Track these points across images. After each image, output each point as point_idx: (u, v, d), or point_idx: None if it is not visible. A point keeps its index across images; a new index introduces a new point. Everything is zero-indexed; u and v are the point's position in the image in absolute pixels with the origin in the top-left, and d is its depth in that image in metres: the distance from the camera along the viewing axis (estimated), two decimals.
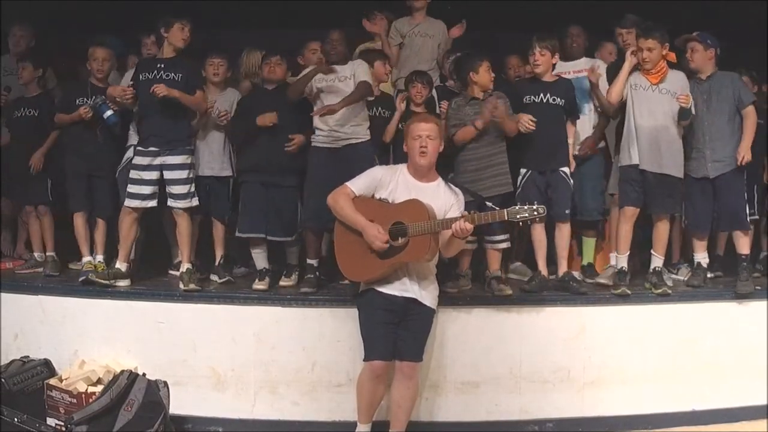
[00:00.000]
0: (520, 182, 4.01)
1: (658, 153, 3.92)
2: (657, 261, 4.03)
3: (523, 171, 4.02)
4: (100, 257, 4.23)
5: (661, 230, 4.02)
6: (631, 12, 4.24)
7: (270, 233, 4.11)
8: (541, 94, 3.99)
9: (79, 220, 4.29)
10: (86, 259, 4.29)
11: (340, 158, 3.92)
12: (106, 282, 3.97)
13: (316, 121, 3.97)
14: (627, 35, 4.19)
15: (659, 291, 3.89)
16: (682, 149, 3.98)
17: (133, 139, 4.23)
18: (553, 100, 3.99)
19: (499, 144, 3.93)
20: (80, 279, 4.02)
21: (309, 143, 4.05)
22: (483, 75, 3.93)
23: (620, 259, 4.03)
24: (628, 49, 4.05)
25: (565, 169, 4.01)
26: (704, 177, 3.99)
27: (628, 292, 3.88)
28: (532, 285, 3.98)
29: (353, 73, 3.98)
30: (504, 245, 4.03)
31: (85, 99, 4.21)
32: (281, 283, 4.08)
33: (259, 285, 4.00)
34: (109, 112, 4.10)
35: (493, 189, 3.84)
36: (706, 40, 3.97)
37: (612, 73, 4.09)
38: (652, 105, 3.93)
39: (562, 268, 4.06)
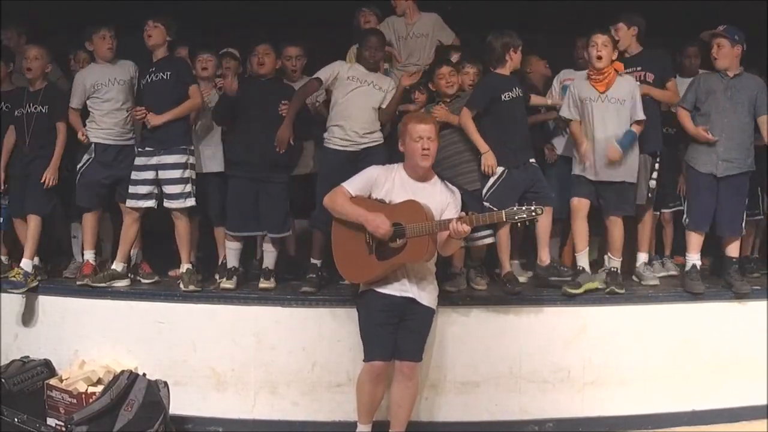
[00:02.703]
0: (495, 181, 3.93)
1: (612, 163, 3.89)
2: (613, 263, 4.02)
3: (499, 170, 3.92)
4: (27, 261, 4.01)
5: (616, 233, 4.02)
6: (631, 12, 4.22)
7: (266, 230, 4.04)
8: (514, 88, 4.00)
9: (19, 226, 4.22)
10: (26, 262, 4.15)
11: (357, 161, 3.89)
12: (104, 285, 3.97)
13: (338, 122, 3.97)
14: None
15: (608, 290, 3.89)
16: (638, 154, 3.99)
17: (91, 135, 4.13)
18: (522, 93, 4.03)
19: (462, 144, 3.97)
20: (78, 283, 4.04)
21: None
22: (437, 83, 4.07)
23: (579, 257, 4.01)
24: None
25: (533, 160, 4.03)
26: (710, 173, 3.95)
27: (574, 292, 3.84)
28: (509, 288, 3.91)
29: (388, 90, 4.05)
30: (488, 240, 4.02)
31: (21, 110, 4.12)
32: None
33: (227, 284, 3.97)
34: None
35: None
36: (734, 35, 3.91)
37: None
38: (603, 115, 3.92)
39: (504, 267, 4.01)
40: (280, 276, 4.12)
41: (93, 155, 4.12)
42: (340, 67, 4.03)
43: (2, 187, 4.20)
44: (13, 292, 3.93)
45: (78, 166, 4.15)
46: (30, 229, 4.08)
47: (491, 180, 3.92)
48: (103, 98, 4.12)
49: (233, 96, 3.99)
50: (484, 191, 3.93)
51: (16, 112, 4.18)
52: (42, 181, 4.05)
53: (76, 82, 4.16)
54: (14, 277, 3.96)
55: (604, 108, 3.92)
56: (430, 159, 3.35)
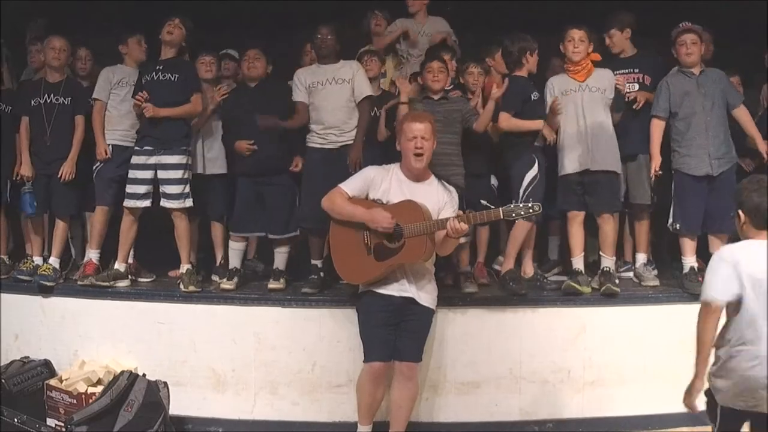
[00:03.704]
0: (531, 181, 3.94)
1: (598, 150, 3.89)
2: (606, 262, 4.00)
3: (534, 170, 3.94)
4: (53, 259, 4.13)
5: (608, 231, 4.00)
6: (630, 11, 4.22)
7: (269, 230, 4.07)
8: (536, 90, 4.02)
9: (36, 223, 4.26)
10: (38, 259, 4.24)
11: (335, 159, 3.90)
12: (106, 284, 3.97)
13: (315, 126, 3.97)
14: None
15: (604, 289, 3.86)
16: (617, 144, 3.98)
17: (108, 138, 4.12)
18: (539, 95, 4.04)
19: (451, 146, 3.91)
20: (79, 283, 4.04)
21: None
22: (424, 76, 4.00)
23: (575, 261, 4.01)
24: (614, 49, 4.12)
25: None
26: (705, 175, 3.92)
27: (580, 288, 3.85)
28: (514, 288, 3.89)
29: (352, 77, 3.95)
30: (462, 239, 3.99)
31: (39, 99, 4.13)
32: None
33: (226, 284, 3.97)
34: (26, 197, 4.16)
35: None
36: (700, 31, 3.94)
37: None
38: (585, 104, 3.92)
39: (507, 264, 4.02)
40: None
41: (111, 157, 4.10)
42: (302, 77, 4.02)
43: (29, 176, 4.17)
44: (45, 284, 3.97)
45: (94, 167, 4.14)
46: (58, 229, 4.18)
47: (527, 179, 3.93)
48: (123, 97, 4.12)
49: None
50: (521, 192, 3.92)
51: (32, 102, 4.17)
52: (59, 176, 4.06)
53: (103, 76, 4.15)
54: (44, 271, 4.04)
55: (587, 96, 3.93)
56: (424, 159, 3.34)
